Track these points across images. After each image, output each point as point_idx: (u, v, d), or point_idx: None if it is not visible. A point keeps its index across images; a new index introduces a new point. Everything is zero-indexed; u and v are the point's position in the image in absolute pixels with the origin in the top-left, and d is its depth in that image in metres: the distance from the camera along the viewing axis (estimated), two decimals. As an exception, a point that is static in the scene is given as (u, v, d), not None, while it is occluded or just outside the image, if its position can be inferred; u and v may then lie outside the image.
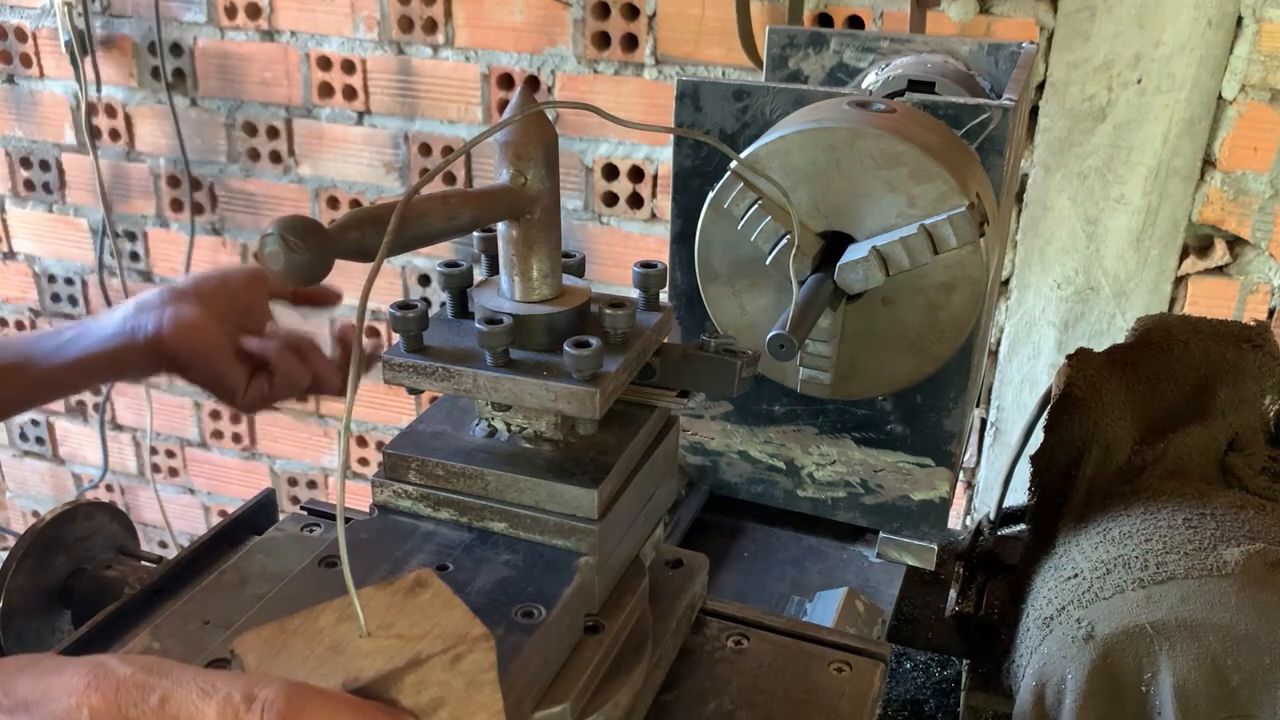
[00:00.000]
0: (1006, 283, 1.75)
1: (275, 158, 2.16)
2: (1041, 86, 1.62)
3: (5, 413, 1.07)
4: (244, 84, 2.11)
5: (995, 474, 1.88)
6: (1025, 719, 0.87)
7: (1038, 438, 1.01)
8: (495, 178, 0.64)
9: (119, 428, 2.62)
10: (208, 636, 0.73)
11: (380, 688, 0.50)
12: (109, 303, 2.39)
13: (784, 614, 0.92)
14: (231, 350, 1.02)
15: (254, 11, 2.04)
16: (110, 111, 2.23)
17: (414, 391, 0.73)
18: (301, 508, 0.91)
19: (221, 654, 0.55)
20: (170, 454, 2.60)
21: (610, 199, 1.95)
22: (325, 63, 2.03)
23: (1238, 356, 0.99)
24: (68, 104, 2.26)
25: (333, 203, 2.16)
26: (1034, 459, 1.00)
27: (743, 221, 0.83)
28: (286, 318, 1.12)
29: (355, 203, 2.15)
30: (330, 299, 1.13)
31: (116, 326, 1.02)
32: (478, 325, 0.62)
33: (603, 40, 1.85)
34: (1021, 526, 1.10)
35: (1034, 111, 1.63)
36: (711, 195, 0.86)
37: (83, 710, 0.48)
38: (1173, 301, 1.70)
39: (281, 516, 0.93)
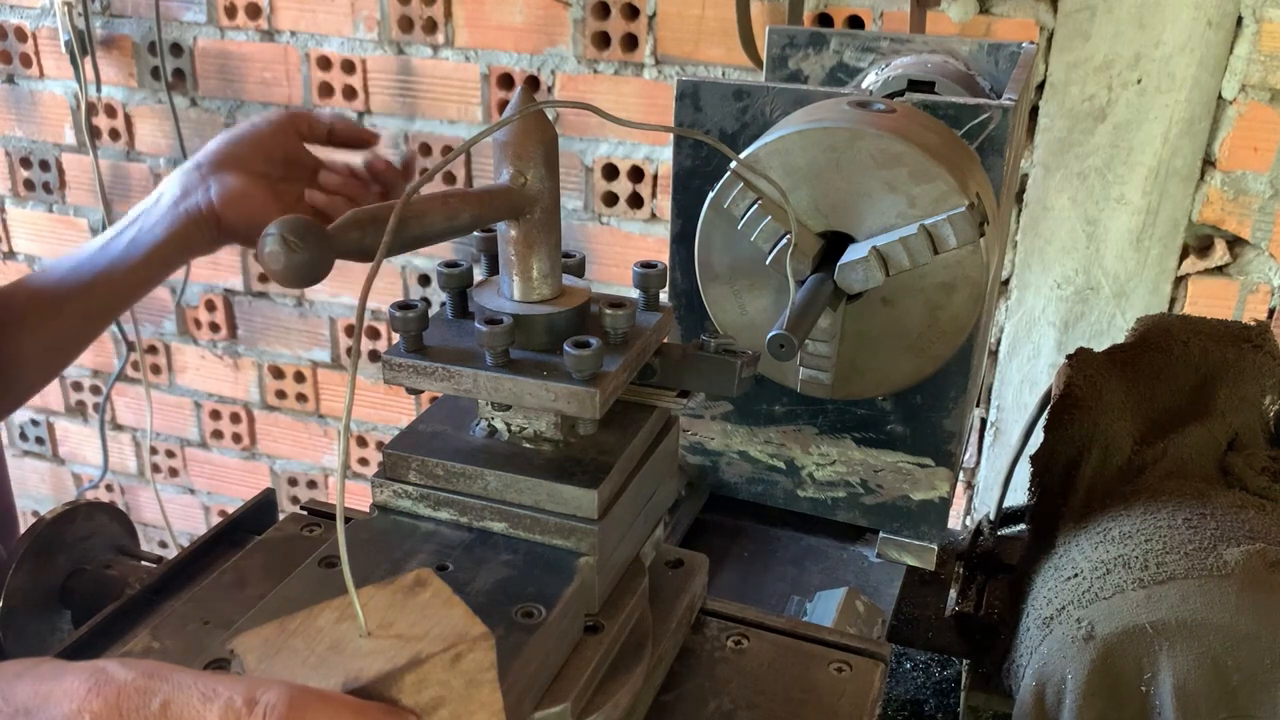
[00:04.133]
0: (1006, 283, 1.75)
1: (275, 158, 2.16)
2: (1041, 86, 1.62)
3: (105, 323, 1.09)
4: (244, 84, 2.11)
5: (995, 474, 1.88)
6: (1025, 719, 0.87)
7: (1038, 438, 1.01)
8: (495, 178, 0.64)
9: (119, 428, 2.62)
10: (208, 636, 0.73)
11: (380, 687, 0.50)
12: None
13: (784, 614, 0.92)
14: (284, 208, 1.00)
15: (254, 11, 2.04)
16: (110, 111, 2.23)
17: (414, 391, 0.73)
18: (301, 508, 0.91)
19: (221, 654, 0.55)
20: (170, 454, 2.60)
21: (610, 199, 1.95)
22: (325, 63, 2.03)
23: (1238, 356, 0.99)
24: (68, 104, 2.26)
25: (333, 203, 2.16)
26: (1034, 459, 1.00)
27: (743, 221, 0.83)
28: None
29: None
30: (367, 139, 1.09)
31: (171, 211, 1.02)
32: (478, 325, 0.62)
33: (603, 40, 1.85)
34: (1021, 526, 1.10)
35: (1034, 111, 1.63)
36: (711, 195, 0.86)
37: (84, 716, 0.48)
38: (1173, 301, 1.70)
39: (281, 516, 0.93)
